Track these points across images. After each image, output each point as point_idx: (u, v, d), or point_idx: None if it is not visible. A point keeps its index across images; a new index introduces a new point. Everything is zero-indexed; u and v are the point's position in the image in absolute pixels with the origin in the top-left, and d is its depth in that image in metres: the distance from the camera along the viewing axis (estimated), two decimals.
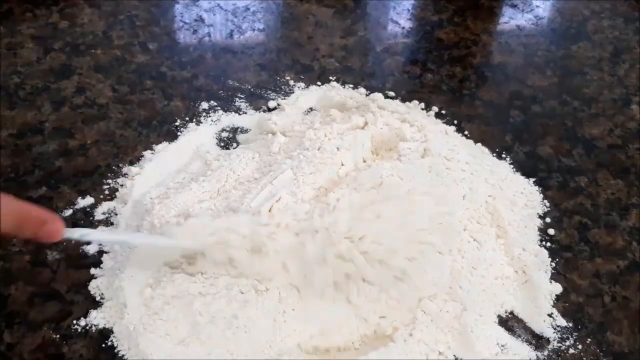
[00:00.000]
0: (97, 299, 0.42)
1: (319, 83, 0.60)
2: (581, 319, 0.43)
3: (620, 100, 0.61)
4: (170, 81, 0.60)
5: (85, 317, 0.41)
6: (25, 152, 0.52)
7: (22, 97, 0.57)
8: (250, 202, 0.44)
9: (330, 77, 0.61)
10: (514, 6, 0.73)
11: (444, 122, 0.56)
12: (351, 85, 0.60)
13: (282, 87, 0.60)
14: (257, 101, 0.58)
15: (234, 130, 0.55)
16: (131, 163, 0.52)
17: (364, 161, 0.49)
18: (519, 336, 0.42)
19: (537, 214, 0.49)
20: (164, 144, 0.53)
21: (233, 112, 0.56)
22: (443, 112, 0.58)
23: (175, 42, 0.65)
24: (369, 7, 0.72)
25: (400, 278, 0.41)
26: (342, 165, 0.48)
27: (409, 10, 0.72)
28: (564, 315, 0.43)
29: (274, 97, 0.58)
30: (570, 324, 0.43)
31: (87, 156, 0.52)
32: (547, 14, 0.72)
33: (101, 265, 0.44)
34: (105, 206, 0.48)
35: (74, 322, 0.41)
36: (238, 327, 0.39)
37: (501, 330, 0.42)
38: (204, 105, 0.57)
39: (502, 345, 0.41)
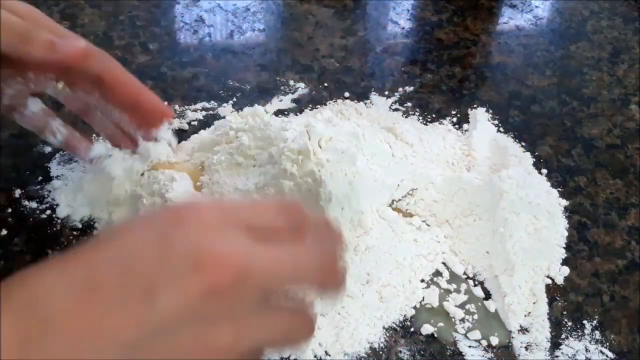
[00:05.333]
0: None
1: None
2: (580, 318, 0.43)
3: (619, 100, 0.61)
4: (170, 81, 0.60)
5: None
6: (26, 152, 0.52)
7: None
8: None
9: (326, 83, 0.61)
10: (513, 6, 0.73)
11: (443, 122, 0.57)
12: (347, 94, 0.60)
13: (282, 87, 0.60)
14: (258, 101, 0.58)
15: None
16: None
17: None
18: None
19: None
20: None
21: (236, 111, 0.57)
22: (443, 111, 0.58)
23: (176, 43, 0.65)
24: (369, 7, 0.72)
25: None
26: None
27: (408, 10, 0.72)
28: (562, 315, 0.43)
29: (274, 97, 0.59)
30: (570, 323, 0.43)
31: None
32: (547, 14, 0.72)
33: None
34: None
35: None
36: None
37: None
38: (205, 105, 0.57)
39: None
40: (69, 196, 0.48)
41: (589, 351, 0.42)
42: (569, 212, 0.50)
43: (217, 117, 0.56)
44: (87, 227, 0.47)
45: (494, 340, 0.41)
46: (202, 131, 0.53)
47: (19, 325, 0.24)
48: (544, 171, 0.53)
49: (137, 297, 0.25)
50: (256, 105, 0.56)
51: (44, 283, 0.25)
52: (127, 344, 0.25)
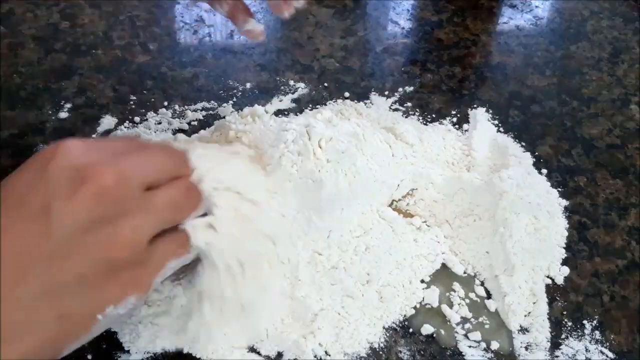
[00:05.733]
0: None
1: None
2: (580, 318, 0.43)
3: (619, 101, 0.61)
4: (170, 81, 0.60)
5: None
6: (26, 152, 0.52)
7: (23, 97, 0.57)
8: None
9: (326, 84, 0.61)
10: (513, 6, 0.73)
11: (443, 122, 0.57)
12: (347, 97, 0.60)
13: (282, 87, 0.60)
14: (258, 101, 0.58)
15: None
16: None
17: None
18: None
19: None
20: None
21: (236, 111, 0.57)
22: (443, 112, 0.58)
23: (176, 43, 0.65)
24: (369, 7, 0.72)
25: None
26: None
27: (408, 10, 0.72)
28: (562, 315, 0.43)
29: (274, 97, 0.59)
30: (570, 323, 0.43)
31: None
32: (546, 14, 0.72)
33: None
34: None
35: None
36: None
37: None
38: (205, 105, 0.57)
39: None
40: None
41: (589, 351, 0.42)
42: (569, 212, 0.50)
43: (217, 117, 0.56)
44: None
45: (495, 345, 0.41)
46: (202, 131, 0.53)
47: None
48: (544, 171, 0.53)
49: (34, 218, 0.30)
50: (256, 105, 0.56)
51: None
52: (42, 257, 0.30)
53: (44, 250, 0.30)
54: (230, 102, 0.58)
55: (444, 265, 0.45)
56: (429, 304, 0.43)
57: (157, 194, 0.34)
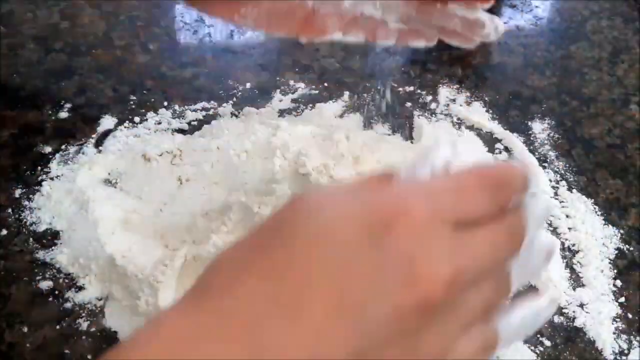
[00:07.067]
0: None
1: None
2: None
3: (619, 100, 0.61)
4: (170, 81, 0.60)
5: (87, 316, 0.41)
6: (26, 152, 0.52)
7: (23, 97, 0.57)
8: None
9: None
10: (513, 6, 0.73)
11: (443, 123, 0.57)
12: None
13: (283, 87, 0.60)
14: (258, 101, 0.58)
15: None
16: None
17: None
18: None
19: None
20: None
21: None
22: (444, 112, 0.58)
23: (176, 43, 0.65)
24: None
25: None
26: None
27: None
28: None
29: (274, 97, 0.59)
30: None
31: None
32: (546, 14, 0.72)
33: None
34: None
35: (76, 321, 0.41)
36: None
37: None
38: (205, 105, 0.57)
39: None
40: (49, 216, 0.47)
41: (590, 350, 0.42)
42: None
43: (217, 117, 0.56)
44: None
45: None
46: (196, 132, 0.53)
47: (238, 350, 0.23)
48: (544, 172, 0.53)
49: (349, 312, 0.24)
50: (251, 107, 0.56)
51: (254, 305, 0.24)
52: (337, 354, 0.24)
53: (342, 351, 0.24)
54: (230, 102, 0.58)
55: None
56: None
57: (469, 298, 0.26)
